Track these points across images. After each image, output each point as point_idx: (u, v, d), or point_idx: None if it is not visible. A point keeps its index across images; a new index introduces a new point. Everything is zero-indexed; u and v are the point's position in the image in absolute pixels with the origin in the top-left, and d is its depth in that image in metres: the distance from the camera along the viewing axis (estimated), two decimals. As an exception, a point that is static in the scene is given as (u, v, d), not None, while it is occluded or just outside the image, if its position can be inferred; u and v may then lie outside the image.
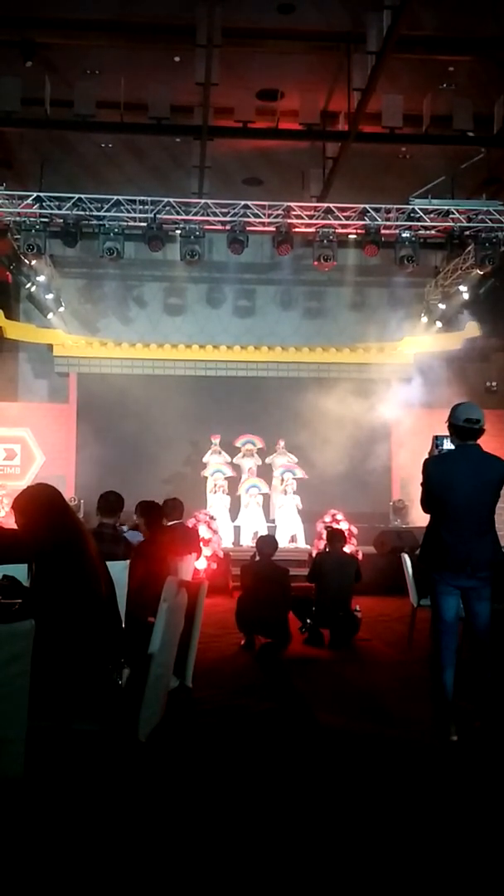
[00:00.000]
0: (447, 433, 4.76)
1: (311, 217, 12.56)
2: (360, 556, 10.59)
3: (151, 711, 2.99)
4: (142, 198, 12.35)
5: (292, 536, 13.30)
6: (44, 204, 12.18)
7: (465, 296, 14.26)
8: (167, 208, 12.37)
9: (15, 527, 3.37)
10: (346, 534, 9.99)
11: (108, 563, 3.43)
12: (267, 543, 8.03)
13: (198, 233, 12.39)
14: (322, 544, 10.49)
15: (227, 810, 3.55)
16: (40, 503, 3.25)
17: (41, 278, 13.93)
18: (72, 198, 12.18)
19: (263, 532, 12.04)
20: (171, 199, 12.34)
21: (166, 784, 3.45)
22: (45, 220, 12.24)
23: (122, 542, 5.95)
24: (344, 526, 11.72)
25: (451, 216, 12.49)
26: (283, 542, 12.08)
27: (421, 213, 12.50)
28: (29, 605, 3.09)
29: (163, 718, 3.26)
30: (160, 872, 2.90)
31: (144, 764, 3.02)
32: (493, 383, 15.92)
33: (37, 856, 2.90)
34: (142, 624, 5.52)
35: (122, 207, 12.34)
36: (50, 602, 3.04)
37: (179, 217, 12.41)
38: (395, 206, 12.55)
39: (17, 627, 2.59)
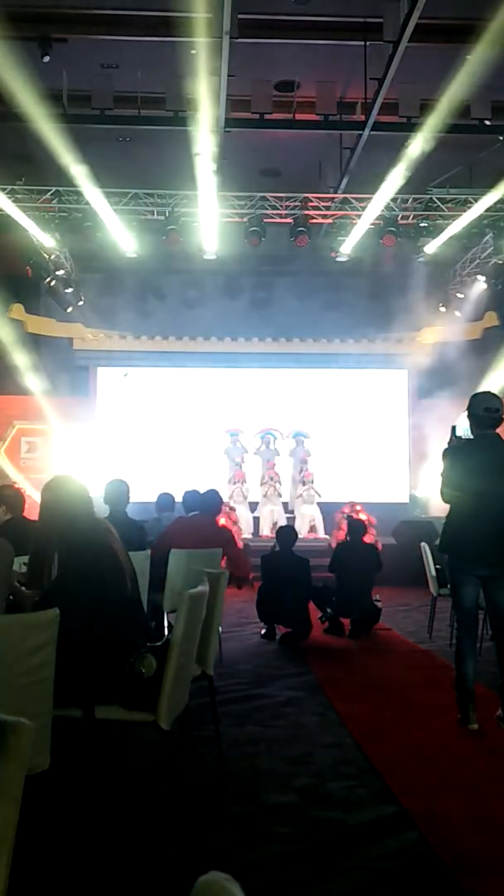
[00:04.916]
0: (466, 422, 4.78)
1: (328, 207, 12.52)
2: (379, 547, 10.59)
3: (174, 700, 3.03)
4: (159, 191, 12.36)
5: (312, 527, 13.33)
6: (62, 198, 12.23)
7: (484, 285, 14.18)
8: (184, 201, 12.37)
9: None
10: (366, 524, 10.01)
11: (131, 553, 3.48)
12: (286, 534, 8.07)
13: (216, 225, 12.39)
14: (342, 534, 10.51)
15: (248, 798, 3.60)
16: (64, 494, 3.30)
17: (61, 273, 14.00)
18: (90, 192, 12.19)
19: (283, 523, 12.08)
20: (189, 192, 12.34)
21: (189, 771, 3.50)
22: (64, 214, 12.30)
23: (133, 528, 5.98)
24: (363, 516, 11.72)
25: (469, 205, 12.40)
26: (302, 532, 12.11)
27: (439, 203, 12.43)
28: (53, 594, 3.14)
29: (185, 707, 3.30)
30: (182, 861, 2.95)
31: (167, 751, 3.06)
32: (513, 372, 15.81)
33: (62, 843, 2.96)
34: (164, 612, 5.58)
35: (139, 201, 12.36)
36: (74, 591, 3.09)
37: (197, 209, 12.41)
38: (413, 196, 12.49)
39: (41, 616, 2.63)
